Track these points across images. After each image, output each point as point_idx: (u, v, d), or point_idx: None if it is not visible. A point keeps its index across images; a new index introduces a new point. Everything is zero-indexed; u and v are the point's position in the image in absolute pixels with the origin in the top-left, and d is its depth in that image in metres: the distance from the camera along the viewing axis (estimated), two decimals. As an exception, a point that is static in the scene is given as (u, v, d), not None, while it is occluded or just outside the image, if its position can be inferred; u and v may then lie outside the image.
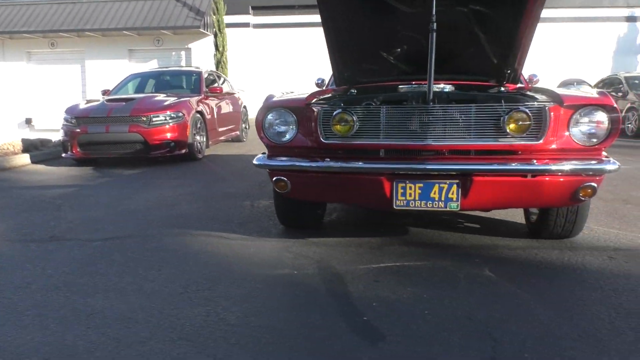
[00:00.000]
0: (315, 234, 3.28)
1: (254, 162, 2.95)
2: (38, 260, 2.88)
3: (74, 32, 15.79)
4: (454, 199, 2.66)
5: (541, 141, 2.57)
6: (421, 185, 2.65)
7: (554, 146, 2.61)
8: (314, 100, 2.86)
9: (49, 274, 2.65)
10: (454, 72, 3.48)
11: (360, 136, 2.71)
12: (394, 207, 2.72)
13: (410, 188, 2.67)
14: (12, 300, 2.33)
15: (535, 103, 2.58)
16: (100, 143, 6.75)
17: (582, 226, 3.07)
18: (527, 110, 2.53)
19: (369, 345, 1.86)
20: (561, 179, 2.60)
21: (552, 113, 2.57)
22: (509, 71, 3.26)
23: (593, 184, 2.61)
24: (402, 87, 3.06)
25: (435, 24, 2.70)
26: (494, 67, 3.31)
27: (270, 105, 2.89)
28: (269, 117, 2.87)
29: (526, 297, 2.32)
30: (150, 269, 2.70)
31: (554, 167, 2.58)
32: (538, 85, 4.14)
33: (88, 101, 7.86)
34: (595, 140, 2.63)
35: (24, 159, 7.44)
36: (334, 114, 2.68)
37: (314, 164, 2.75)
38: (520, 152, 2.64)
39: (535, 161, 2.60)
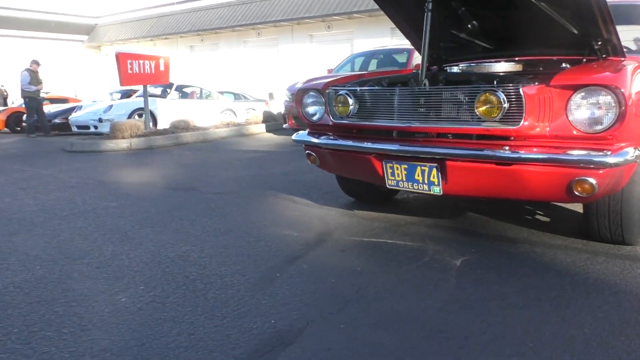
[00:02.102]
0: (367, 207, 3.52)
1: (292, 137, 3.39)
2: (159, 201, 3.96)
3: (345, 15, 17.67)
4: (436, 183, 2.62)
5: (517, 126, 2.31)
6: (406, 166, 2.70)
7: (540, 131, 2.30)
8: (332, 84, 3.12)
9: (159, 211, 3.65)
10: (538, 47, 3.21)
11: (357, 117, 2.87)
12: (387, 186, 2.83)
13: (397, 169, 2.74)
14: (128, 219, 3.40)
15: (510, 84, 2.32)
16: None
17: (635, 232, 2.55)
18: (496, 92, 2.31)
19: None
20: (545, 170, 2.30)
21: (534, 95, 2.27)
22: (599, 42, 2.84)
23: (589, 178, 2.22)
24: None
25: (430, 3, 2.66)
26: (578, 39, 2.93)
27: (305, 88, 3.27)
28: (304, 98, 3.25)
29: (495, 288, 2.20)
30: (216, 215, 3.46)
31: (524, 156, 2.30)
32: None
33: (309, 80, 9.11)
34: (598, 127, 2.22)
35: (260, 128, 9.18)
36: (335, 95, 2.92)
37: (316, 140, 3.06)
38: (513, 138, 2.40)
39: (507, 148, 2.36)
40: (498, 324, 1.86)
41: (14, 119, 13.22)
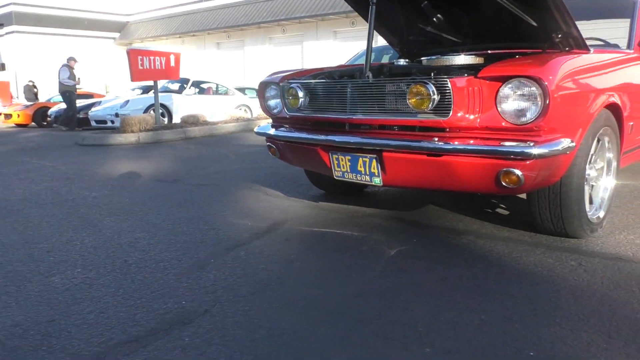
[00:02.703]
0: (334, 199, 3.57)
1: (254, 129, 3.46)
2: (139, 192, 4.10)
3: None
4: (376, 174, 2.65)
5: (447, 118, 2.32)
6: (349, 158, 2.73)
7: (470, 123, 2.31)
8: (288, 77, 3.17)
9: (133, 201, 3.78)
10: (504, 40, 3.21)
11: (307, 109, 2.91)
12: (335, 177, 2.88)
13: (342, 160, 2.78)
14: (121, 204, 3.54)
15: (436, 76, 2.32)
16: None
17: (576, 224, 2.52)
18: (426, 84, 2.32)
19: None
20: (474, 161, 2.31)
21: (463, 86, 2.28)
22: (560, 35, 2.82)
23: (514, 169, 2.22)
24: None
25: (374, -4, 2.69)
26: (538, 33, 2.91)
27: (266, 81, 3.33)
28: (266, 91, 3.31)
29: (418, 277, 2.22)
30: (184, 205, 3.56)
31: (451, 147, 2.31)
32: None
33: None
34: (524, 118, 2.21)
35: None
36: (287, 88, 2.97)
37: (272, 132, 3.13)
38: (446, 129, 2.41)
39: (436, 139, 2.38)
40: (400, 309, 1.89)
41: (40, 114, 13.73)
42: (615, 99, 2.64)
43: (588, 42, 3.80)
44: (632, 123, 2.99)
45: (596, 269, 2.24)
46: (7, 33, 25.27)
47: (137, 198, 3.86)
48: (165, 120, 10.69)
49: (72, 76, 11.63)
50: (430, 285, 2.11)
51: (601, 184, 2.83)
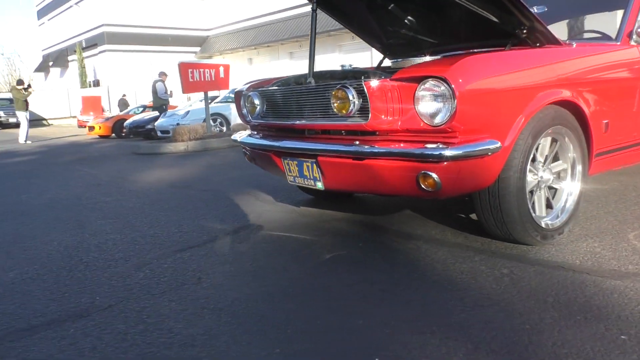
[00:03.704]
0: (320, 205, 3.61)
1: (232, 137, 3.58)
2: (147, 197, 4.37)
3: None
4: (318, 178, 2.67)
5: (367, 121, 2.30)
6: (296, 162, 2.78)
7: (391, 126, 2.27)
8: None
9: (135, 205, 4.05)
10: (475, 39, 3.14)
11: (263, 116, 2.99)
12: (288, 181, 2.93)
13: (291, 165, 2.83)
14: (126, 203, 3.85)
15: (355, 80, 2.31)
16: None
17: (519, 229, 2.39)
18: (346, 88, 2.32)
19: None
20: (394, 164, 2.27)
21: (379, 89, 2.25)
22: (524, 30, 2.73)
23: (430, 172, 2.16)
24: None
25: (315, 4, 2.72)
26: (502, 29, 2.83)
27: (239, 90, 3.44)
28: (241, 100, 3.43)
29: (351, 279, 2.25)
30: (174, 209, 3.77)
31: (369, 150, 2.29)
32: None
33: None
34: (438, 119, 2.15)
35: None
36: (247, 97, 3.07)
37: (239, 139, 3.23)
38: (376, 133, 2.39)
39: (357, 142, 2.37)
40: (292, 311, 1.91)
41: (119, 126, 14.84)
42: (568, 95, 2.48)
43: (585, 35, 3.59)
44: (606, 121, 2.77)
45: (523, 278, 2.12)
46: (100, 52, 27.56)
47: (139, 203, 4.13)
48: (224, 129, 11.19)
49: (166, 90, 12.55)
50: (342, 289, 2.11)
51: (564, 187, 2.66)
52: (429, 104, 2.15)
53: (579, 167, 2.66)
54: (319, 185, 2.69)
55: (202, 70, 9.00)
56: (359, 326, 1.77)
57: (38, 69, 36.15)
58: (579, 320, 1.72)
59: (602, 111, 2.73)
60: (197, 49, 29.67)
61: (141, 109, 16.40)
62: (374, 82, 2.26)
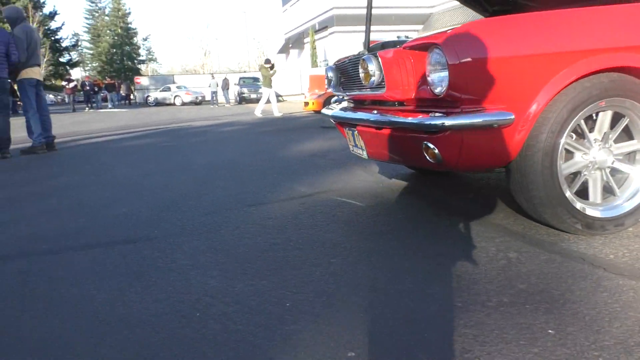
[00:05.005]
0: (404, 178, 3.65)
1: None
2: (208, 171, 4.90)
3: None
4: (363, 147, 2.77)
5: (384, 91, 2.31)
6: (350, 132, 2.91)
7: (406, 95, 2.26)
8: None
9: (192, 178, 4.61)
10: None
11: (336, 88, 3.15)
12: (351, 151, 3.07)
13: (349, 134, 2.97)
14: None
15: (371, 51, 2.31)
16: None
17: (549, 213, 2.16)
18: (365, 59, 2.35)
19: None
20: (404, 134, 2.27)
21: (392, 59, 2.25)
22: None
23: (429, 144, 2.13)
24: None
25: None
26: None
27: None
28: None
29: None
30: (190, 184, 4.21)
31: (382, 119, 2.32)
32: None
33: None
34: (438, 90, 2.07)
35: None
36: (327, 71, 3.25)
37: (326, 112, 3.42)
38: (397, 103, 2.40)
39: (375, 112, 2.38)
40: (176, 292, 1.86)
41: (328, 102, 16.05)
42: (632, 60, 2.08)
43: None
44: None
45: (520, 261, 1.97)
46: (330, 34, 29.73)
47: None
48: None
49: None
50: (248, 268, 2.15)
51: (636, 172, 2.26)
52: (433, 73, 2.10)
53: (658, 150, 2.22)
54: (365, 154, 2.78)
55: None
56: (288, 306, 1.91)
57: (280, 51, 40.78)
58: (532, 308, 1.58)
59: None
60: (420, 26, 29.75)
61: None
62: (387, 53, 2.28)
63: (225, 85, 28.88)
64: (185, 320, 1.62)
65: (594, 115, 2.19)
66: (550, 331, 1.44)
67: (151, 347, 1.47)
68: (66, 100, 32.60)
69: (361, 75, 2.46)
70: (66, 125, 13.93)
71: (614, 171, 2.26)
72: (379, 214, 2.77)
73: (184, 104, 31.68)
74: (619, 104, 2.13)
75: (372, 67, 2.35)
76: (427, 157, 2.18)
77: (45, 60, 44.74)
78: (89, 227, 2.86)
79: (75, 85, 27.48)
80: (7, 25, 7.74)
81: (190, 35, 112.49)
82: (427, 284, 1.80)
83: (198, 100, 31.86)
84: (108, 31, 57.87)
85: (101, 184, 4.26)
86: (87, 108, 27.91)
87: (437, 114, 2.06)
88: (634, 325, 1.44)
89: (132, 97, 39.09)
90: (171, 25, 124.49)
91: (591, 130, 2.19)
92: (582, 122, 2.15)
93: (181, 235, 2.58)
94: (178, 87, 33.34)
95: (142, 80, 39.58)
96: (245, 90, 29.70)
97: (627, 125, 2.22)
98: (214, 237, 2.53)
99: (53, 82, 47.28)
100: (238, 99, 30.29)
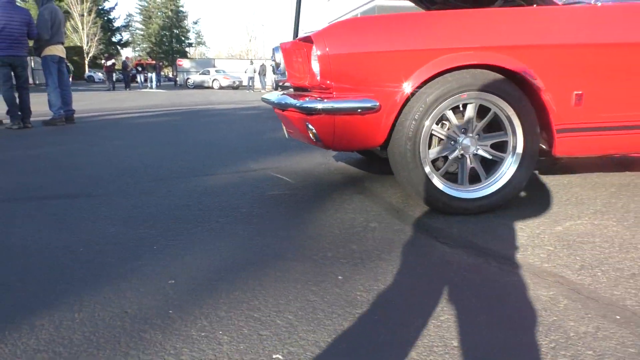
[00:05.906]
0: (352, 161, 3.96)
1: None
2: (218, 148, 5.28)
3: None
4: (283, 127, 3.10)
5: (286, 78, 2.63)
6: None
7: (298, 82, 2.58)
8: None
9: (196, 157, 5.02)
10: None
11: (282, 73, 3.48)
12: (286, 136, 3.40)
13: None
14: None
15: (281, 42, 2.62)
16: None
17: (414, 190, 2.45)
18: (273, 49, 2.68)
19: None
20: (294, 115, 2.58)
21: (290, 49, 2.56)
22: None
23: (309, 124, 2.44)
24: None
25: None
26: None
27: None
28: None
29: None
30: (191, 161, 4.59)
31: (282, 101, 2.62)
32: None
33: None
34: (317, 78, 2.38)
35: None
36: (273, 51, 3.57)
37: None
38: (302, 89, 2.72)
39: (282, 94, 2.70)
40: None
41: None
42: (496, 59, 2.32)
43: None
44: (579, 92, 2.44)
45: (374, 229, 2.27)
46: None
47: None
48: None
49: None
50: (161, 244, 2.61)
51: (503, 161, 2.51)
52: (314, 63, 2.41)
53: (519, 143, 2.46)
54: (286, 134, 3.11)
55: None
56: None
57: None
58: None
59: (569, 81, 2.42)
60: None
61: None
62: (287, 44, 2.60)
63: (263, 71, 29.45)
64: (69, 252, 2.02)
65: (460, 106, 2.45)
66: (339, 277, 1.75)
67: (33, 270, 1.86)
68: (105, 77, 33.13)
69: (272, 63, 2.78)
70: (103, 101, 14.70)
71: (491, 160, 2.51)
72: (296, 187, 3.10)
73: (221, 87, 32.55)
74: (482, 97, 2.38)
75: (278, 56, 2.67)
76: (311, 136, 2.49)
77: (96, 39, 46.68)
78: (49, 183, 3.31)
79: (114, 63, 28.48)
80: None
81: (238, 20, 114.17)
82: (278, 240, 2.13)
83: (235, 85, 32.64)
84: (159, 13, 59.61)
85: (88, 152, 4.74)
86: (127, 89, 28.98)
87: (314, 98, 2.37)
88: (414, 279, 1.74)
89: (177, 78, 40.38)
90: (221, 10, 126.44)
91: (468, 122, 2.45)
92: (450, 112, 2.41)
93: (116, 196, 2.99)
94: (217, 71, 34.25)
95: (184, 63, 40.79)
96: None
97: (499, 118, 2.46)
98: (143, 197, 2.92)
99: (103, 61, 49.22)
100: (274, 85, 30.80)
